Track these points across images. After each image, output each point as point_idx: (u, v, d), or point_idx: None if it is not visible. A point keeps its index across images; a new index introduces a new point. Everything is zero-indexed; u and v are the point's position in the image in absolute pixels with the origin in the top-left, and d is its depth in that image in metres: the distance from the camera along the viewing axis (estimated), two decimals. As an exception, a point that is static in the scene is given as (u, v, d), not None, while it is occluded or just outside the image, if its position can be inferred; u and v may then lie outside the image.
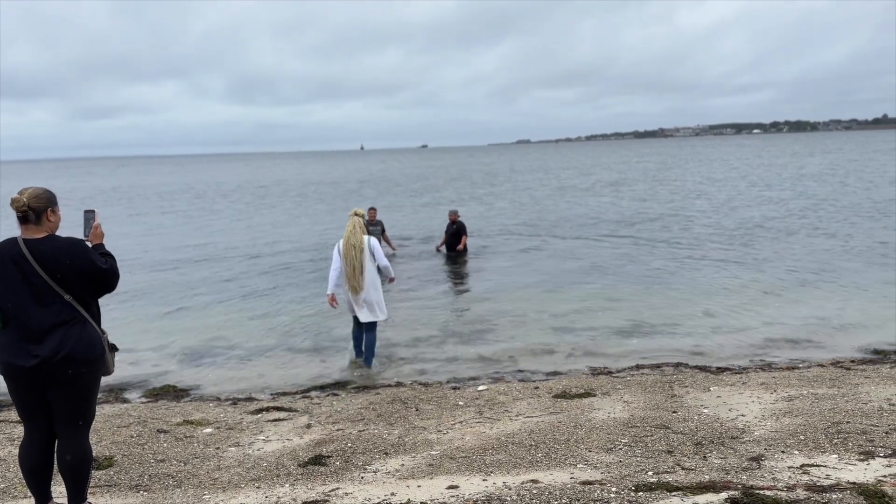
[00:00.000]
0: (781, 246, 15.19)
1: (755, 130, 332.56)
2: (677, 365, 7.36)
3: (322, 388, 7.01)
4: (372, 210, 14.46)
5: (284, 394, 6.90)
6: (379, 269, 7.41)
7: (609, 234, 18.11)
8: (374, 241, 7.36)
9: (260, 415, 6.02)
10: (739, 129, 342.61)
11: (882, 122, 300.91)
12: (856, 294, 10.56)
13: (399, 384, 7.01)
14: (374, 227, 14.02)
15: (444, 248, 15.45)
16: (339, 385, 7.05)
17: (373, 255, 7.25)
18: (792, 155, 71.05)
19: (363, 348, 7.66)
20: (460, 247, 14.97)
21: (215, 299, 11.77)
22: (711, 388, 6.27)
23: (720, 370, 7.13)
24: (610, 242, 16.79)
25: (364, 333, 7.60)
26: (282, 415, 5.97)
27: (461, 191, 38.11)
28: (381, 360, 7.82)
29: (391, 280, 7.94)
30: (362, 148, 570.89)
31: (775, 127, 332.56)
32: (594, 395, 6.17)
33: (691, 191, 31.42)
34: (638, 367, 7.37)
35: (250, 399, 6.72)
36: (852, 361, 7.28)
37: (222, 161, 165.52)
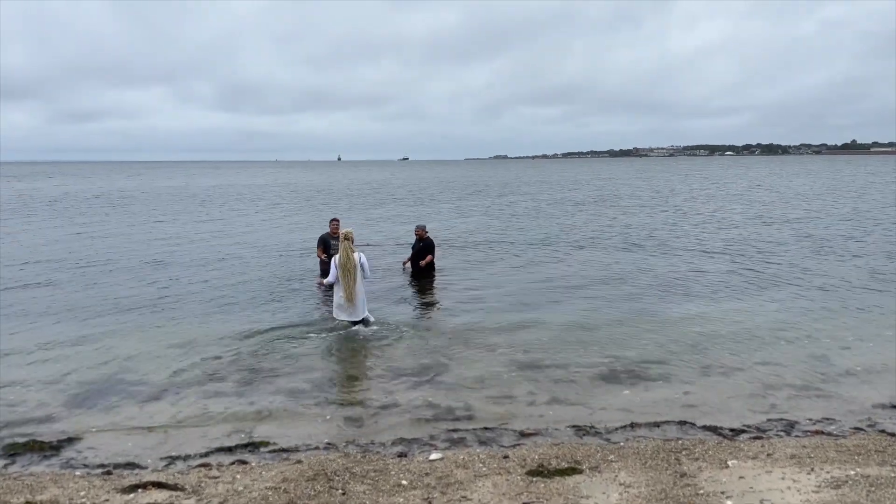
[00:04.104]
0: (784, 267, 13.93)
1: (728, 152, 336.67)
2: (681, 424, 5.94)
3: (230, 450, 5.44)
4: (335, 222, 13.00)
5: (179, 458, 5.32)
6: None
7: (594, 249, 16.74)
8: (363, 257, 9.22)
9: (132, 495, 4.45)
10: (712, 150, 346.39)
11: (851, 148, 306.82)
12: (874, 327, 9.26)
13: (329, 446, 5.48)
14: (335, 240, 12.50)
15: (409, 266, 13.95)
16: (253, 447, 5.49)
17: (363, 268, 9.17)
18: (782, 175, 70.73)
19: (360, 331, 9.09)
20: (423, 263, 13.49)
21: (141, 319, 10.11)
22: (730, 463, 4.87)
23: (735, 433, 5.73)
24: (598, 261, 15.35)
25: (359, 325, 9.19)
26: (161, 496, 4.41)
27: (449, 202, 36.60)
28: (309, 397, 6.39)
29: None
30: (339, 159, 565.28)
31: (747, 149, 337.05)
32: (580, 472, 4.73)
33: (684, 209, 30.24)
34: (633, 426, 5.92)
35: (130, 466, 5.14)
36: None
37: (177, 168, 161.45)
